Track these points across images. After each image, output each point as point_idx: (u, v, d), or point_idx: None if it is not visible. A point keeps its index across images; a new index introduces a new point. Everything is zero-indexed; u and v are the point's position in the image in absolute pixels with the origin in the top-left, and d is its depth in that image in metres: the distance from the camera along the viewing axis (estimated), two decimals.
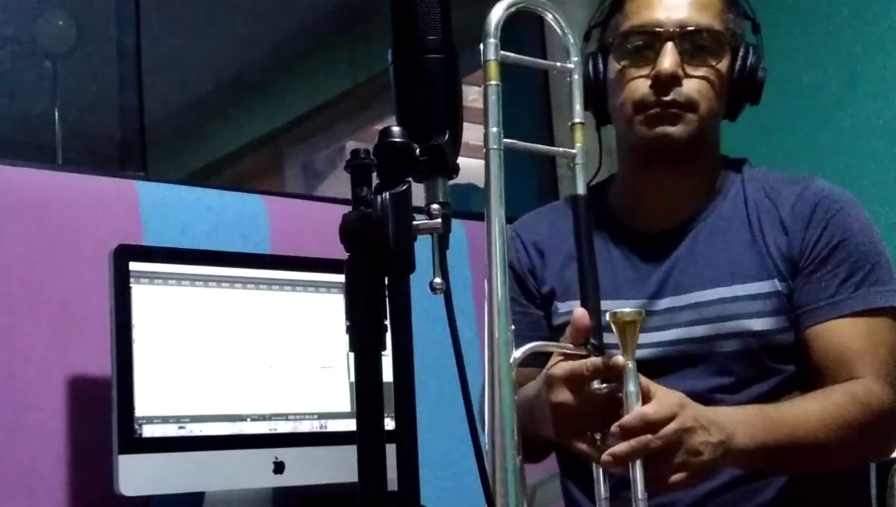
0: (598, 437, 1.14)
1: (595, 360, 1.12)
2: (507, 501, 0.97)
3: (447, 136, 0.88)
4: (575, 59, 1.19)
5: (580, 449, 1.15)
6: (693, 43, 1.35)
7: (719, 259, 1.37)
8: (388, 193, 0.81)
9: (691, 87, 1.34)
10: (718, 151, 1.45)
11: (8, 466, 1.58)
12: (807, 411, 1.24)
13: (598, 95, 1.42)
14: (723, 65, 1.37)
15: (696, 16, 1.35)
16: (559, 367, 1.14)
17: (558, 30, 1.19)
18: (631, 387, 1.10)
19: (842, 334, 1.30)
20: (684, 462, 1.11)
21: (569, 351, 1.14)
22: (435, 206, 0.86)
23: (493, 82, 1.08)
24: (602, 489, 1.14)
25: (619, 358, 1.10)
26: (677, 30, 1.34)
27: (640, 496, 1.08)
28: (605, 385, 1.13)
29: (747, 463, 1.24)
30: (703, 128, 1.36)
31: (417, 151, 0.85)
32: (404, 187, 0.82)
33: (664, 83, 1.33)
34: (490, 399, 1.02)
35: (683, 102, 1.34)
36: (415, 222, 0.83)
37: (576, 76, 1.19)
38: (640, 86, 1.35)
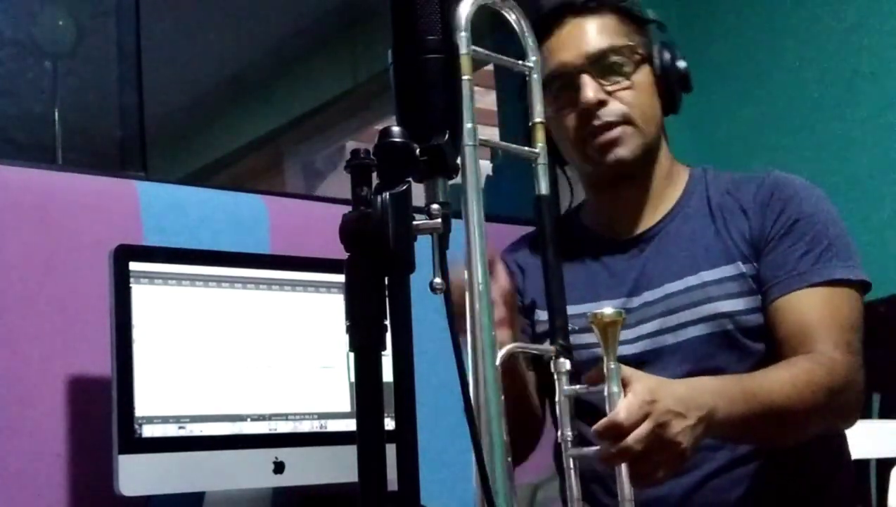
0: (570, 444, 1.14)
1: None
2: (498, 502, 0.97)
3: (447, 136, 0.88)
4: (533, 58, 1.20)
5: None
6: (604, 66, 1.43)
7: (686, 252, 1.44)
8: (388, 193, 0.81)
9: (618, 103, 1.43)
10: (669, 155, 1.52)
11: (8, 466, 1.58)
12: (779, 379, 1.27)
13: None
14: (640, 75, 1.45)
15: (598, 42, 1.44)
16: None
17: (517, 29, 1.20)
18: (614, 387, 1.09)
19: (802, 305, 1.35)
20: (665, 456, 1.11)
21: (541, 352, 1.15)
22: (435, 206, 0.86)
23: (466, 77, 1.07)
24: (574, 489, 1.13)
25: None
26: (586, 61, 1.43)
27: (626, 496, 1.08)
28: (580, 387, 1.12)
29: (727, 434, 1.27)
30: (646, 137, 1.44)
31: (417, 151, 0.85)
32: (404, 187, 0.82)
33: (592, 111, 1.42)
34: (475, 401, 1.01)
35: (616, 120, 1.42)
36: (415, 222, 0.83)
37: (535, 76, 1.20)
38: (573, 122, 1.44)
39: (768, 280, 1.38)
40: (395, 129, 0.84)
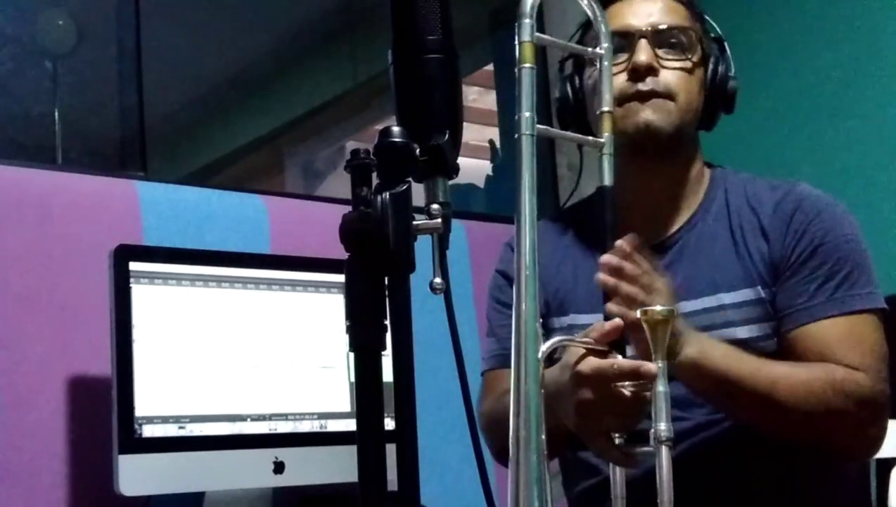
0: (617, 437, 1.13)
1: (624, 363, 1.12)
2: (531, 500, 0.94)
3: (447, 136, 0.88)
4: (606, 45, 1.20)
5: (599, 447, 1.15)
6: (665, 39, 1.40)
7: (704, 270, 1.39)
8: (388, 193, 0.81)
9: (668, 76, 1.38)
10: (698, 159, 1.47)
11: (8, 466, 1.58)
12: (777, 368, 1.28)
13: (575, 112, 1.45)
14: (696, 60, 1.41)
15: (666, 17, 1.41)
16: (586, 364, 1.14)
17: (590, 14, 1.20)
18: (660, 387, 1.07)
19: (822, 336, 1.32)
20: (647, 289, 1.17)
21: (593, 347, 1.14)
22: (435, 206, 0.86)
23: (528, 65, 1.06)
24: (618, 488, 1.13)
25: (651, 366, 1.08)
26: (649, 28, 1.39)
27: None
28: (628, 383, 1.11)
29: (694, 380, 1.26)
30: (683, 120, 1.39)
31: (417, 151, 0.85)
32: (404, 187, 0.82)
33: (641, 73, 1.37)
34: (516, 394, 0.98)
35: (662, 91, 1.37)
36: (415, 222, 0.83)
37: (605, 63, 1.20)
38: (618, 80, 1.37)
39: (785, 308, 1.34)
40: (395, 129, 0.84)
